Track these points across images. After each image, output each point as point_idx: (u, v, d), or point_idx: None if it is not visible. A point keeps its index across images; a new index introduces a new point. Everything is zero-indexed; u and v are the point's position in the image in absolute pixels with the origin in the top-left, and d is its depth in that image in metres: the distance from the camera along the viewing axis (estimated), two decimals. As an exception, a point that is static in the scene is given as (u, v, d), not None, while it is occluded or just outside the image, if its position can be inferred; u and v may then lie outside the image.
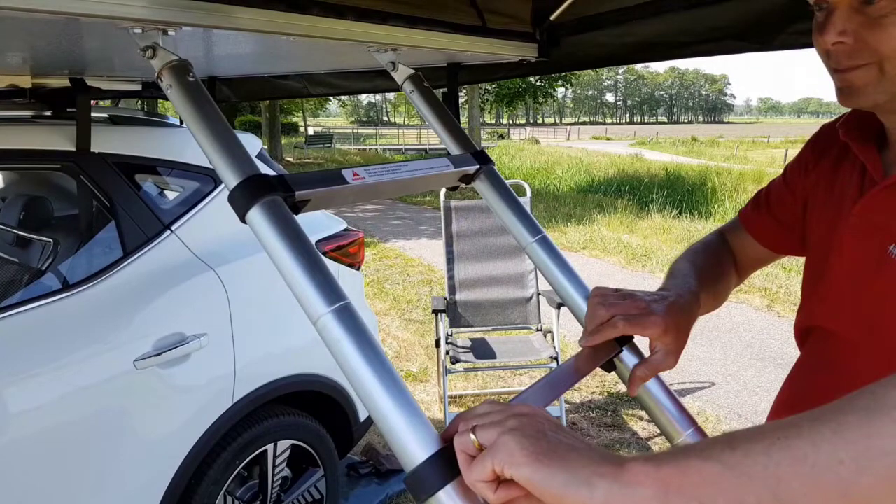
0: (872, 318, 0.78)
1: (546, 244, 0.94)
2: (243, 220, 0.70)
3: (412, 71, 1.02)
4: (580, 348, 0.85)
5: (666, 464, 0.48)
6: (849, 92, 0.74)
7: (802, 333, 0.94)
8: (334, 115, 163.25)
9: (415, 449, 0.57)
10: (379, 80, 1.70)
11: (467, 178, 0.97)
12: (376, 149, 32.96)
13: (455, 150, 1.00)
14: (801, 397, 0.92)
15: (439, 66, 1.42)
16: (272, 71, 1.63)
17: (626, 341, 0.82)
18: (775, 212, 0.99)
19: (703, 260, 0.98)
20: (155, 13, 0.69)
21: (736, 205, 12.19)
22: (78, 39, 1.19)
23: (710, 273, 0.96)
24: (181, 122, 2.25)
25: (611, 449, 3.26)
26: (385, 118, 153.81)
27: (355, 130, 54.90)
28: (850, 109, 0.91)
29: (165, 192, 2.08)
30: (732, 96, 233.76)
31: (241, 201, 0.69)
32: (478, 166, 0.96)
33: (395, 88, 1.85)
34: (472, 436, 0.53)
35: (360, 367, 0.61)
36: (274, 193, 0.69)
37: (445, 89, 1.40)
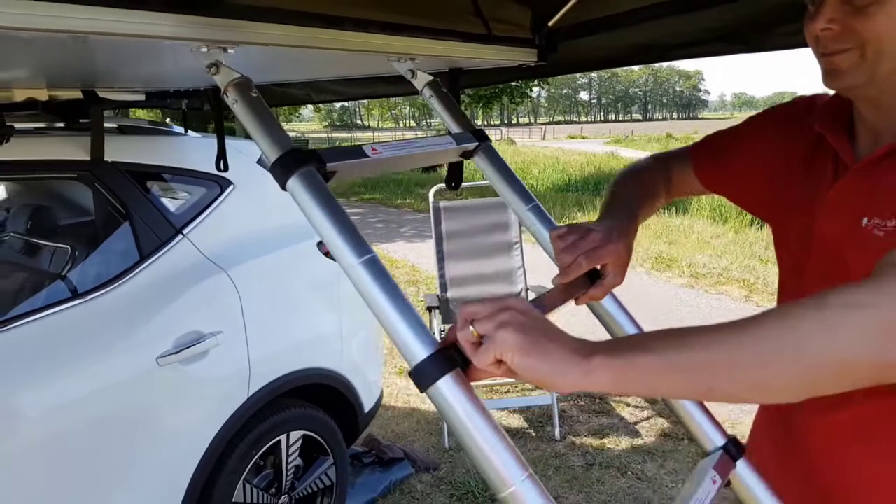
0: None
1: (539, 212, 1.07)
2: (284, 188, 0.81)
3: (430, 77, 1.14)
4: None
5: (621, 357, 0.61)
6: (834, 74, 0.83)
7: None
8: (308, 120, 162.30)
9: (418, 350, 0.71)
10: (381, 85, 1.81)
11: (467, 154, 1.10)
12: (354, 153, 32.80)
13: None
14: None
15: (441, 71, 1.53)
16: (283, 79, 1.73)
17: (594, 274, 0.96)
18: (727, 164, 1.10)
19: (641, 190, 1.10)
20: (219, 34, 0.79)
21: (712, 199, 12.44)
22: (98, 54, 1.28)
23: (646, 201, 1.09)
24: (186, 131, 2.33)
25: (600, 435, 3.40)
26: (359, 122, 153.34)
27: (330, 135, 54.62)
28: (809, 95, 1.03)
29: (176, 197, 2.17)
30: (707, 92, 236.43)
31: (282, 171, 0.80)
32: (477, 143, 1.09)
33: (394, 94, 1.97)
34: (472, 328, 0.65)
35: (381, 297, 0.74)
36: (309, 165, 0.80)
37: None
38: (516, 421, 3.59)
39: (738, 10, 1.20)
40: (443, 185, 4.32)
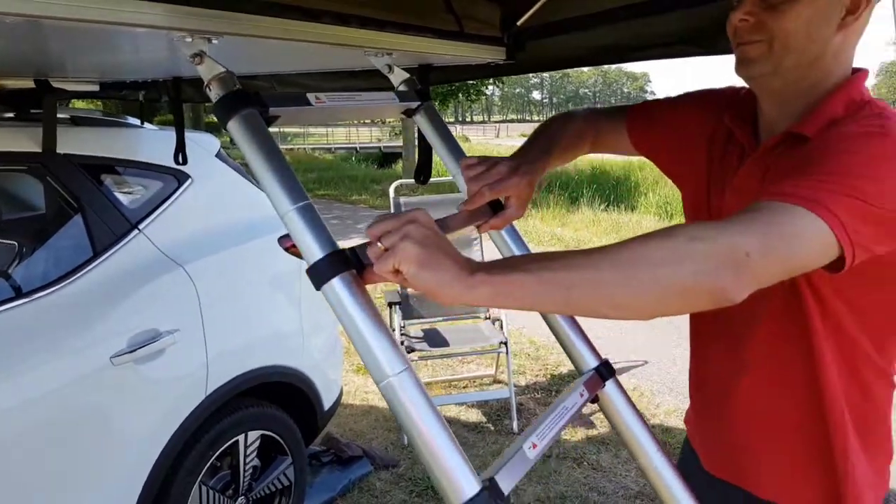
0: None
1: None
2: (225, 128, 0.80)
3: (407, 75, 1.14)
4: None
5: (499, 275, 0.69)
6: (745, 62, 0.92)
7: None
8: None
9: (316, 250, 0.75)
10: (349, 80, 1.79)
11: (410, 112, 1.13)
12: (304, 148, 32.42)
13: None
14: (700, 346, 1.16)
15: (411, 67, 1.53)
16: (256, 71, 1.70)
17: (497, 205, 1.04)
18: (659, 130, 1.18)
19: (563, 137, 1.19)
20: (204, 24, 0.78)
21: (658, 197, 12.78)
22: (53, 42, 1.23)
23: (564, 146, 1.18)
24: (142, 123, 2.27)
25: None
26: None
27: (281, 130, 53.68)
28: (739, 87, 1.10)
29: (131, 191, 2.10)
30: (652, 93, 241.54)
31: (224, 110, 0.79)
32: (419, 102, 1.12)
33: (361, 88, 1.95)
34: (379, 243, 0.71)
35: (309, 238, 0.76)
36: (251, 107, 0.80)
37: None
38: (475, 415, 3.61)
39: (701, 13, 1.24)
40: (403, 180, 4.31)
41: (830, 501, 1.00)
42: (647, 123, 1.20)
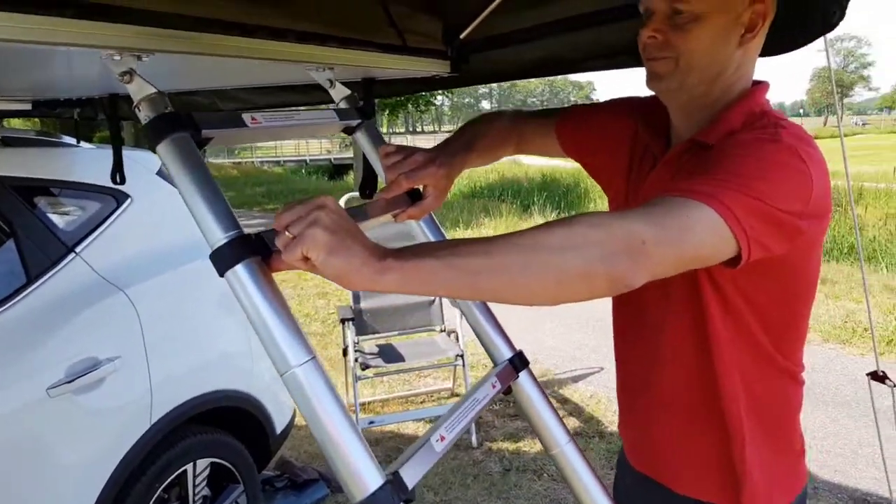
0: None
1: None
2: (154, 151, 0.77)
3: (349, 91, 1.12)
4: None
5: (408, 261, 0.69)
6: (654, 77, 0.97)
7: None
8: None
9: (220, 235, 0.72)
10: (292, 94, 1.75)
11: (350, 130, 1.11)
12: (253, 161, 31.97)
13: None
14: (620, 345, 1.18)
15: (355, 80, 1.50)
16: (195, 87, 1.64)
17: (415, 194, 1.05)
18: (586, 133, 1.20)
19: (488, 136, 1.22)
20: (132, 41, 0.74)
21: (607, 203, 13.04)
22: None
23: (487, 145, 1.21)
24: (78, 142, 2.18)
25: (516, 438, 3.46)
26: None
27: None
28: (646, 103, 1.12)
29: (67, 213, 2.01)
30: (598, 101, 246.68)
31: (153, 134, 0.76)
32: (360, 120, 1.11)
33: (305, 103, 1.91)
34: (287, 232, 0.70)
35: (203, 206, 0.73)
36: (183, 131, 0.77)
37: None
38: (432, 431, 3.57)
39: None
40: (353, 193, 4.25)
41: (731, 497, 1.02)
42: (576, 127, 1.22)
